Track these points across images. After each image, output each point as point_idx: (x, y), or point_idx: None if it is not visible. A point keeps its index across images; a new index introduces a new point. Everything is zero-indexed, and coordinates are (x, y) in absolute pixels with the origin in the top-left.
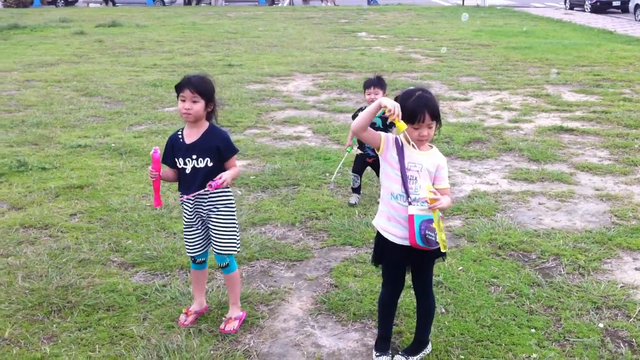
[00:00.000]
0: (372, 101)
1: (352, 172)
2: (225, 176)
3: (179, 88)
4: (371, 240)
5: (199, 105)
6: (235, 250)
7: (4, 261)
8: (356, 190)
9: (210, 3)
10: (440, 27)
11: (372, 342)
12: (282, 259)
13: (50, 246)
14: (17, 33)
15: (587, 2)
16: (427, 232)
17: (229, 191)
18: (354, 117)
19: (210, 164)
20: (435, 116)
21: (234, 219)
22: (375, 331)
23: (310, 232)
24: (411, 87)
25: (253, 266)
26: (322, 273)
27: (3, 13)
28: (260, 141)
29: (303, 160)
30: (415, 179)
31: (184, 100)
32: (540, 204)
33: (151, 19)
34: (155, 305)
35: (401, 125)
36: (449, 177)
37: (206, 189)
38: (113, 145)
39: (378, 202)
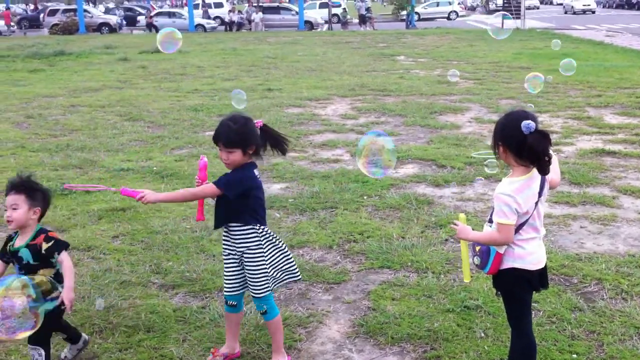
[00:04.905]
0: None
1: None
2: (145, 193)
3: (214, 140)
4: (409, 264)
5: (236, 155)
6: (268, 290)
7: None
8: None
9: (250, 29)
10: (479, 49)
11: None
12: (319, 282)
13: (92, 268)
14: (62, 59)
15: None
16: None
17: (262, 229)
18: None
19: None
20: (495, 136)
21: (265, 259)
22: (414, 355)
23: (348, 255)
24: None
25: (291, 289)
26: (359, 296)
27: (49, 40)
28: (299, 164)
29: (341, 183)
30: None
31: (221, 150)
32: (582, 227)
33: (193, 45)
34: (195, 326)
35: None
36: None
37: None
38: (155, 168)
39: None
